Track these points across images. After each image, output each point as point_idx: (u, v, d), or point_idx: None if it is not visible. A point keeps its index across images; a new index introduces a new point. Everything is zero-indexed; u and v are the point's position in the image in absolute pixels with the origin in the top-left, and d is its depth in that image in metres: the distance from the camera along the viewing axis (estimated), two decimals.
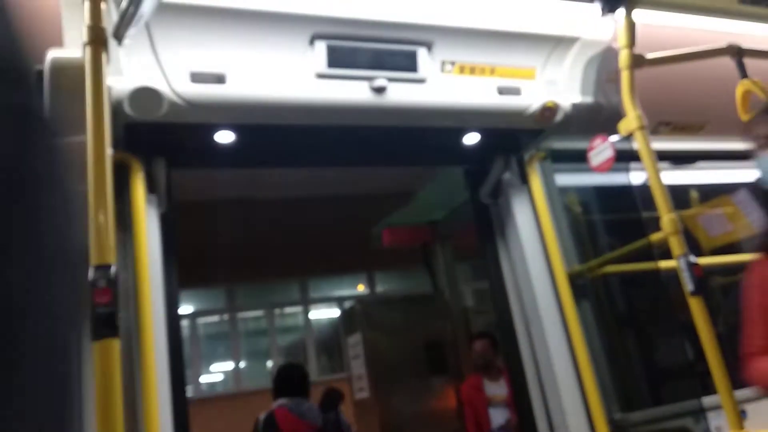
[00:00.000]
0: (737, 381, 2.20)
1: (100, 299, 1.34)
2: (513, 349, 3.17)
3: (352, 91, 2.58)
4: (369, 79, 2.58)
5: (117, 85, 2.28)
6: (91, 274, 1.38)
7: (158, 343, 2.39)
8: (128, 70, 2.31)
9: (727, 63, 2.77)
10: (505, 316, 3.21)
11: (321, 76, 2.54)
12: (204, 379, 9.25)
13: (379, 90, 2.58)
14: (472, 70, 2.76)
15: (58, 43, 2.20)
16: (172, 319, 2.58)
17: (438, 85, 2.70)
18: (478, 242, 3.38)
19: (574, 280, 3.05)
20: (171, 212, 2.68)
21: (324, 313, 10.32)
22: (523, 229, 3.14)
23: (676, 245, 2.38)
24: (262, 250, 6.83)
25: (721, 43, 2.77)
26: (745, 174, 3.58)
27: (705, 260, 3.41)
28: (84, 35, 1.81)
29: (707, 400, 2.78)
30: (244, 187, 3.75)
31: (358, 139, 2.86)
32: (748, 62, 2.74)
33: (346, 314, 6.83)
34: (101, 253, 1.44)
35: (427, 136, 2.93)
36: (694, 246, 3.61)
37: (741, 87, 2.70)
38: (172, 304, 2.59)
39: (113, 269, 1.42)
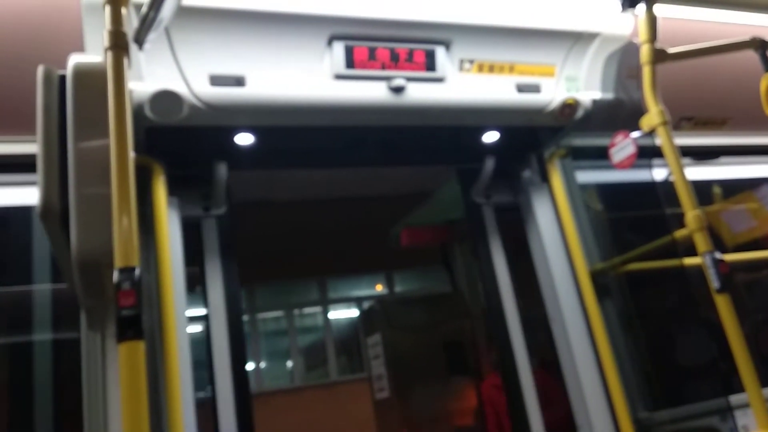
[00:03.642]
0: (766, 379, 2.17)
1: (125, 301, 1.35)
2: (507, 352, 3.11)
3: (370, 91, 2.57)
4: (387, 78, 2.58)
5: (138, 89, 2.30)
6: (115, 276, 1.39)
7: (181, 344, 2.40)
8: (148, 74, 2.32)
9: (750, 56, 2.73)
10: (499, 320, 3.12)
11: (339, 76, 2.54)
12: None
13: (398, 90, 2.58)
14: (491, 68, 2.74)
15: (80, 48, 2.23)
16: (234, 316, 2.70)
17: (457, 84, 2.69)
18: (471, 243, 3.30)
19: (596, 278, 3.02)
20: (229, 212, 2.81)
21: (343, 314, 10.34)
22: (544, 228, 3.12)
23: (701, 242, 2.35)
24: (281, 251, 6.86)
25: (744, 36, 2.73)
26: None
27: (730, 257, 3.37)
28: (105, 40, 1.83)
29: (734, 399, 2.74)
30: (262, 189, 3.75)
31: (376, 139, 2.86)
32: None
33: (365, 314, 6.83)
34: (126, 255, 1.45)
35: (446, 135, 2.92)
36: (717, 242, 3.58)
37: (765, 80, 2.66)
38: (233, 301, 2.72)
39: (137, 271, 1.43)
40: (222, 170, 2.70)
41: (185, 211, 2.77)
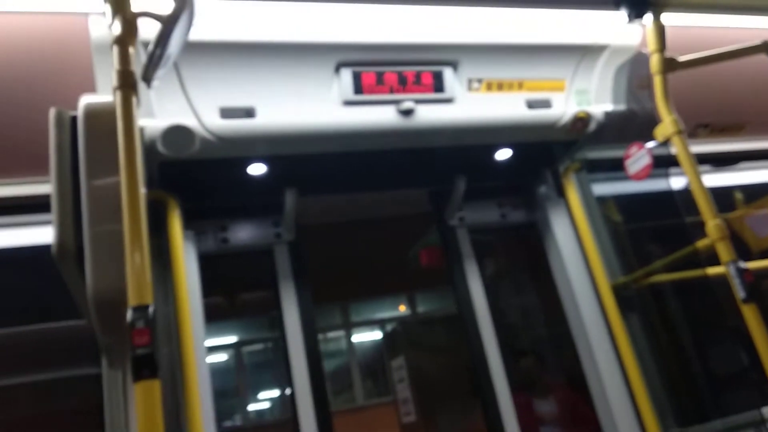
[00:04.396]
0: None
1: (140, 340, 1.34)
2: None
3: (379, 115, 2.58)
4: (396, 102, 2.58)
5: (149, 125, 2.33)
6: (129, 315, 1.39)
7: (201, 375, 2.41)
8: (160, 111, 2.36)
9: (764, 59, 2.69)
10: (477, 344, 3.05)
11: (348, 102, 2.56)
12: (252, 407, 9.28)
13: (407, 113, 2.58)
14: (500, 86, 2.73)
15: (92, 89, 2.27)
16: (310, 336, 2.84)
17: (466, 104, 2.69)
18: (446, 266, 3.23)
19: (619, 291, 2.97)
20: (298, 238, 2.98)
21: (366, 336, 10.27)
22: (562, 243, 3.08)
23: (724, 251, 2.30)
24: None
25: (756, 41, 2.70)
26: None
27: (756, 264, 3.29)
28: (114, 80, 1.85)
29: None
30: None
31: (388, 162, 2.85)
32: None
33: (388, 337, 6.79)
34: (139, 293, 1.45)
35: (458, 155, 2.90)
36: (742, 249, 3.50)
37: None
38: (307, 323, 2.86)
39: (151, 309, 1.42)
40: (291, 197, 2.81)
41: (202, 243, 2.79)
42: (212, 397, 2.48)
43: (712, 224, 2.32)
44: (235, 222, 2.94)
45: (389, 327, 9.10)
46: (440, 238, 3.25)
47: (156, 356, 1.36)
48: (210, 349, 2.70)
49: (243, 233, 2.96)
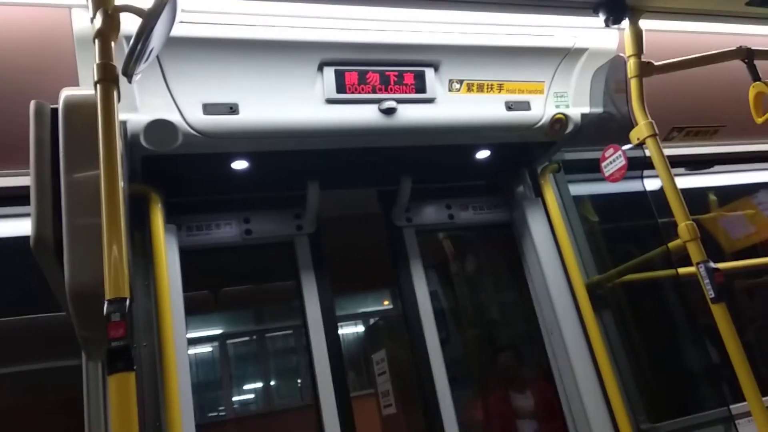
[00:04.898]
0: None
1: (115, 333, 1.36)
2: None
3: (361, 114, 2.61)
4: (378, 101, 2.61)
5: (133, 119, 2.34)
6: (105, 308, 1.41)
7: (181, 368, 2.43)
8: (143, 105, 2.37)
9: (741, 64, 2.74)
10: (420, 343, 3.11)
11: (331, 101, 2.58)
12: (236, 398, 9.29)
13: (388, 111, 2.61)
14: (480, 88, 2.77)
15: (75, 82, 2.28)
16: (330, 325, 2.94)
17: (447, 104, 2.72)
18: (392, 267, 3.25)
19: (593, 290, 3.02)
20: (318, 231, 3.07)
21: (351, 330, 10.31)
22: (539, 242, 3.13)
23: (695, 252, 2.35)
24: None
25: (731, 46, 2.75)
26: (765, 175, 3.53)
27: (728, 264, 3.37)
28: (95, 73, 1.87)
29: (737, 407, 2.72)
30: None
31: (369, 160, 2.89)
32: (760, 63, 2.71)
33: (370, 330, 6.81)
34: (115, 286, 1.46)
35: (438, 154, 2.94)
36: (716, 249, 3.57)
37: (753, 90, 2.68)
38: (328, 311, 2.97)
39: (127, 303, 1.45)
40: (314, 191, 2.88)
41: (183, 237, 2.81)
42: (191, 391, 2.50)
43: (684, 225, 2.37)
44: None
45: (371, 321, 9.12)
46: (387, 238, 3.26)
47: (131, 349, 1.39)
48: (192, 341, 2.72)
49: (263, 225, 3.01)
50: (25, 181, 2.14)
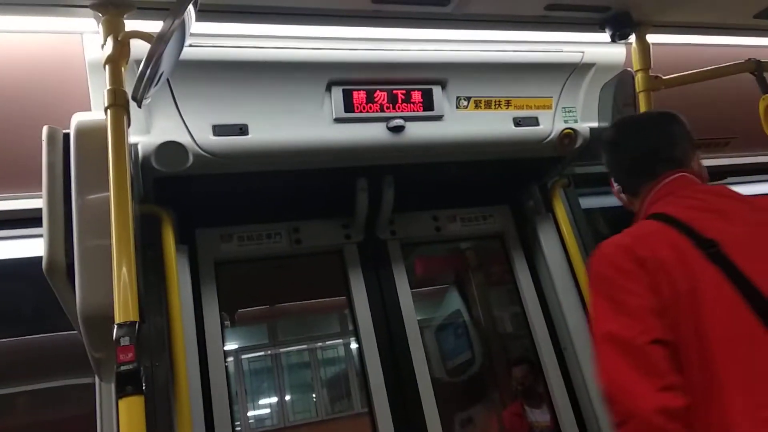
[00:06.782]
0: None
1: (124, 357, 1.38)
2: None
3: (370, 132, 2.62)
4: (386, 120, 2.63)
5: (144, 141, 2.38)
6: (115, 332, 1.43)
7: (192, 388, 2.44)
8: (154, 128, 2.41)
9: (750, 76, 2.73)
10: (405, 357, 2.96)
11: (339, 120, 2.60)
12: (251, 413, 9.29)
13: (397, 129, 2.62)
14: (488, 104, 2.78)
15: (87, 107, 2.32)
16: (382, 334, 2.95)
17: (454, 122, 2.73)
18: (375, 276, 3.11)
19: None
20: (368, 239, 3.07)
21: None
22: (550, 258, 3.11)
23: None
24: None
25: (740, 58, 2.74)
26: None
27: None
28: (105, 99, 1.91)
29: None
30: None
31: (378, 179, 2.89)
32: None
33: None
34: (125, 309, 1.49)
35: (447, 172, 2.94)
36: None
37: (763, 102, 2.66)
38: (380, 320, 2.98)
39: (137, 326, 1.46)
40: (363, 200, 2.89)
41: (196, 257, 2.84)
42: (203, 410, 2.51)
43: None
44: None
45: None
46: (371, 251, 3.15)
47: (140, 373, 1.40)
48: None
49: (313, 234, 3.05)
50: (39, 203, 2.18)
